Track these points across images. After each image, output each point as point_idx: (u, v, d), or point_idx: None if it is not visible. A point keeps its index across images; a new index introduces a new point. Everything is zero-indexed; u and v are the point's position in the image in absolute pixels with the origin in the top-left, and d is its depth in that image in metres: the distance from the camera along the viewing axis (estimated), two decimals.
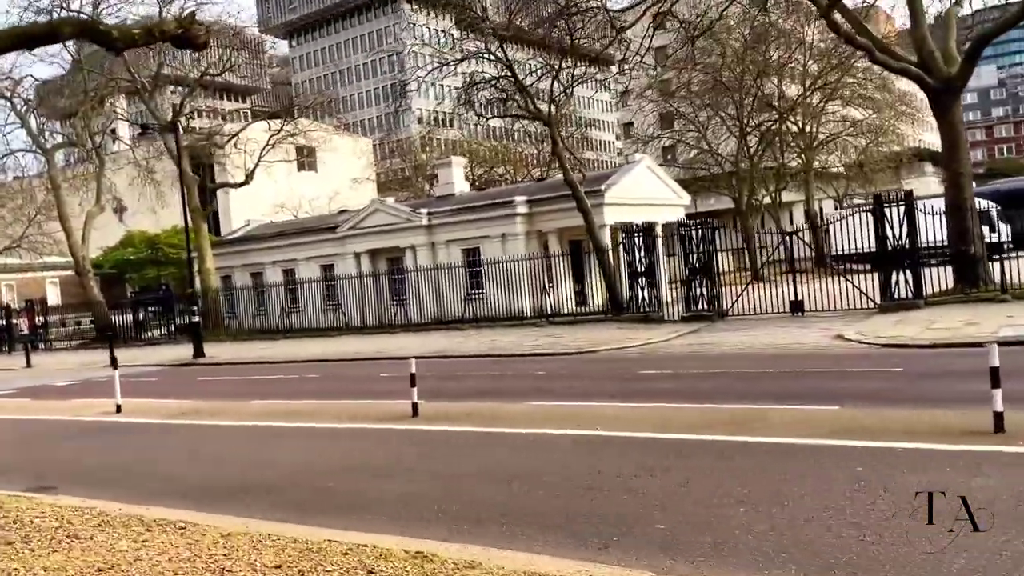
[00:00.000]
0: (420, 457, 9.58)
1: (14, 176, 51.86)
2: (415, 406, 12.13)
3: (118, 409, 15.64)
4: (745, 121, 42.96)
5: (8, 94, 42.25)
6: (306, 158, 58.29)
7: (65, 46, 40.28)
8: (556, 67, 27.24)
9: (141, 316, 43.01)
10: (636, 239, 25.36)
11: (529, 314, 30.45)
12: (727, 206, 48.39)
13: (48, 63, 48.66)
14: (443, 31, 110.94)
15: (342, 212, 42.87)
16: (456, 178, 37.37)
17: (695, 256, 23.73)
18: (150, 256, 64.60)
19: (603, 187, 29.75)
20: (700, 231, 24.23)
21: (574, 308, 30.58)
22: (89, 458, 11.70)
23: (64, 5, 36.18)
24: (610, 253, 27.51)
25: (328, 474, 9.11)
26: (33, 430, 14.96)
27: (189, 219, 39.95)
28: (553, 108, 27.80)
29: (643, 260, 24.97)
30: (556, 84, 27.38)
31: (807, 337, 18.04)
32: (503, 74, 27.40)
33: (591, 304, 30.91)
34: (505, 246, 31.34)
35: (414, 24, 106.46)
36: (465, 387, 15.54)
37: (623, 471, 7.82)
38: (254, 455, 10.70)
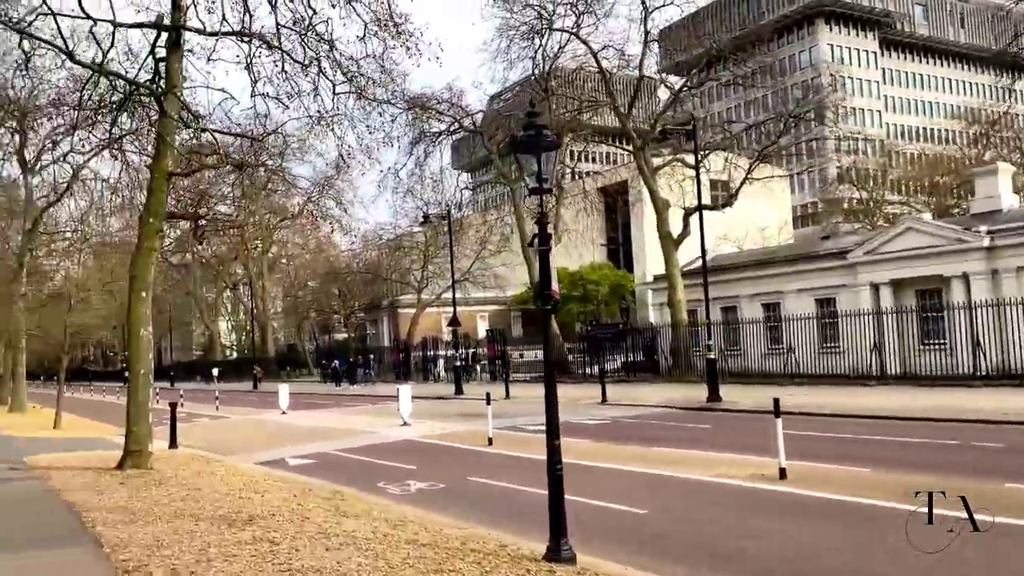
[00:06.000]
0: None
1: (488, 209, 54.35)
2: None
3: (782, 474, 10.94)
4: None
5: (478, 128, 43.62)
6: (721, 192, 53.82)
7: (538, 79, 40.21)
8: None
9: (590, 352, 40.71)
10: None
11: None
12: None
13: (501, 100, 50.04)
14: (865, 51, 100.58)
15: (826, 238, 36.63)
16: (1003, 189, 29.00)
17: None
18: (568, 292, 64.34)
19: None
20: None
21: None
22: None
23: None
24: None
25: None
26: (684, 492, 10.89)
27: (661, 245, 36.97)
28: None
29: None
30: None
31: None
32: None
33: None
34: None
35: (832, 45, 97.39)
36: None
37: None
38: None
